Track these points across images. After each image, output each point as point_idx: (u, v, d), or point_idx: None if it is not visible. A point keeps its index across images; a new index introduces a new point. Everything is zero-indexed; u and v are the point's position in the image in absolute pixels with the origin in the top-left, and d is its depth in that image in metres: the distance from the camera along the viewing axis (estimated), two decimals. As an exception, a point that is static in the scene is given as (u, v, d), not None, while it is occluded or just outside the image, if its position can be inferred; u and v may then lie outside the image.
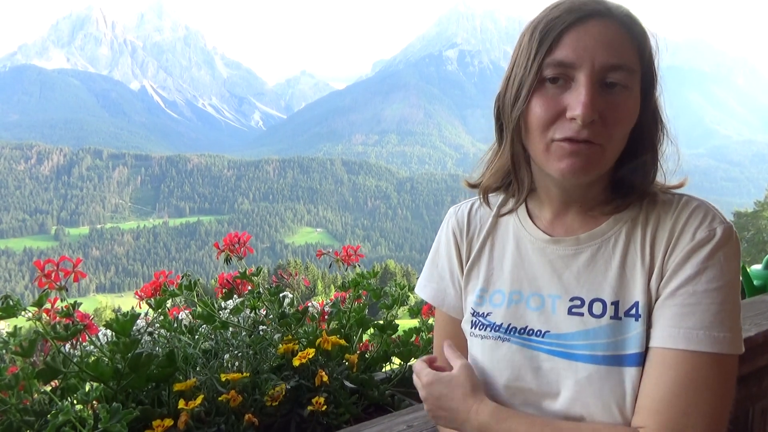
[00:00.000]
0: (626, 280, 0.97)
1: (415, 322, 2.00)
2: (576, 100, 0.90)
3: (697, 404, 0.87)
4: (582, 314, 0.98)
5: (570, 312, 0.99)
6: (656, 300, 0.94)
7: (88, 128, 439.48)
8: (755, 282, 3.06)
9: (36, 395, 1.30)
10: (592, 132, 0.91)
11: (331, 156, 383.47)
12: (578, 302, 0.99)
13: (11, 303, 1.30)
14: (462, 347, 1.14)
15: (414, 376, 1.12)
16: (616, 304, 0.96)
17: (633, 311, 0.95)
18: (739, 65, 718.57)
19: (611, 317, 0.96)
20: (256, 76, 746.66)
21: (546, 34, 0.93)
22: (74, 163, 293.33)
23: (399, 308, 1.92)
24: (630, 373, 0.92)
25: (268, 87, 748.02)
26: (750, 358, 1.81)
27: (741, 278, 2.85)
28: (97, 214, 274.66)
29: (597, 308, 0.97)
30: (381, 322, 1.85)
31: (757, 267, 3.17)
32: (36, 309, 1.35)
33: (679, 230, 0.95)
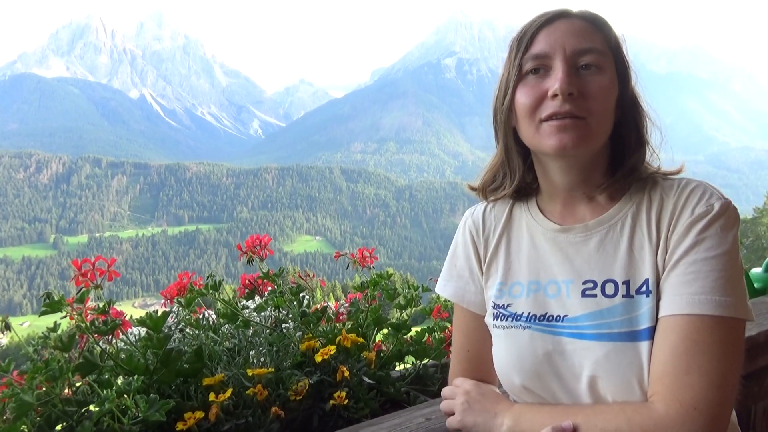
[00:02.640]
0: (635, 260, 1.03)
1: (419, 329, 2.02)
2: (554, 79, 1.04)
3: (700, 364, 0.90)
4: (595, 296, 1.04)
5: (584, 295, 1.05)
6: (663, 274, 1.00)
7: (87, 137, 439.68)
8: (756, 284, 3.13)
9: (73, 387, 1.33)
10: (574, 105, 1.03)
11: (329, 164, 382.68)
12: (591, 285, 1.05)
13: (55, 299, 1.34)
14: (480, 342, 1.23)
15: (448, 391, 1.24)
16: (627, 283, 1.02)
17: (644, 288, 1.00)
18: (737, 72, 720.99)
19: (623, 296, 1.01)
20: (254, 85, 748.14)
21: (522, 37, 1.11)
22: (73, 172, 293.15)
23: (412, 309, 1.98)
24: (644, 347, 0.97)
25: (266, 95, 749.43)
26: (752, 357, 1.80)
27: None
28: (96, 223, 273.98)
29: (609, 289, 1.03)
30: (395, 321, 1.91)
31: (757, 270, 3.25)
32: (79, 305, 1.38)
33: (680, 207, 1.02)
